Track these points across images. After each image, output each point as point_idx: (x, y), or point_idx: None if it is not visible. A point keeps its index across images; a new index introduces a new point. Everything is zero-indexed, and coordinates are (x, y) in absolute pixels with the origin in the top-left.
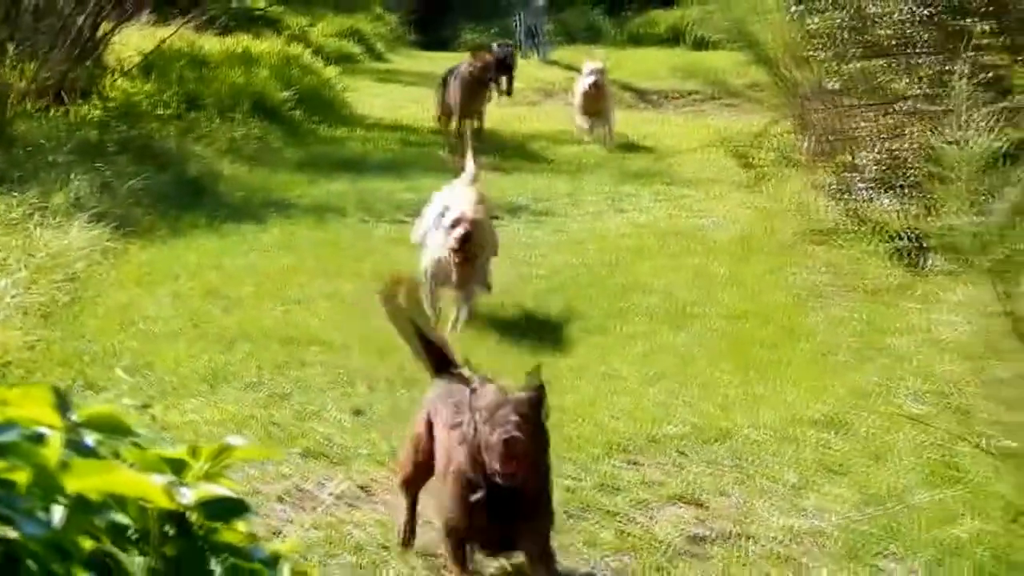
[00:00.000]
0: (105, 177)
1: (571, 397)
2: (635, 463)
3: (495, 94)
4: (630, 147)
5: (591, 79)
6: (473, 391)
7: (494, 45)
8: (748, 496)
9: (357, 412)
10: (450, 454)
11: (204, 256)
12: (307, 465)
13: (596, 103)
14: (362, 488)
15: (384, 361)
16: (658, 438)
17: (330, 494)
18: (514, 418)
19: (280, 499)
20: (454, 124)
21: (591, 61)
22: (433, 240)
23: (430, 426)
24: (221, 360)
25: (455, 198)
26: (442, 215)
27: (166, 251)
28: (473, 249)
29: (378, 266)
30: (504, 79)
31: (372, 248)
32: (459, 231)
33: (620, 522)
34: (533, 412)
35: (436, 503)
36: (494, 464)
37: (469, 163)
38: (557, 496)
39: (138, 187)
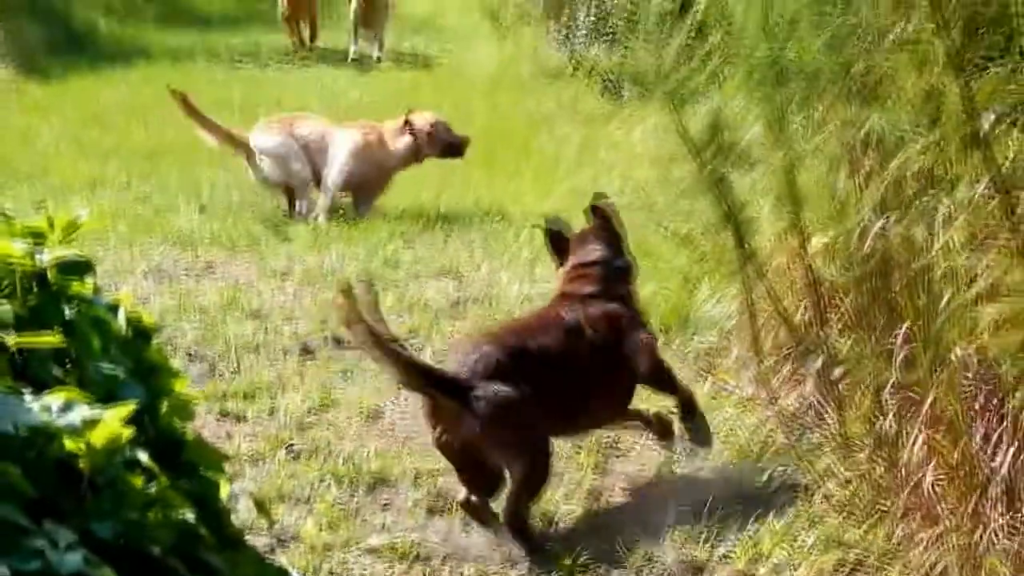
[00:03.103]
0: (7, 30)
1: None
2: (411, 245)
3: None
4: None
5: None
6: None
7: None
8: (494, 270)
9: (202, 208)
10: None
11: (86, 91)
12: (164, 249)
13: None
14: (207, 265)
15: (223, 169)
16: (428, 227)
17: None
18: None
19: (144, 275)
20: None
21: None
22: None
23: None
24: (99, 170)
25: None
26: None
27: (56, 87)
28: None
29: (219, 97)
30: None
31: (215, 83)
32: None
33: (400, 290)
34: None
35: None
36: None
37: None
38: (351, 269)
39: (33, 39)
